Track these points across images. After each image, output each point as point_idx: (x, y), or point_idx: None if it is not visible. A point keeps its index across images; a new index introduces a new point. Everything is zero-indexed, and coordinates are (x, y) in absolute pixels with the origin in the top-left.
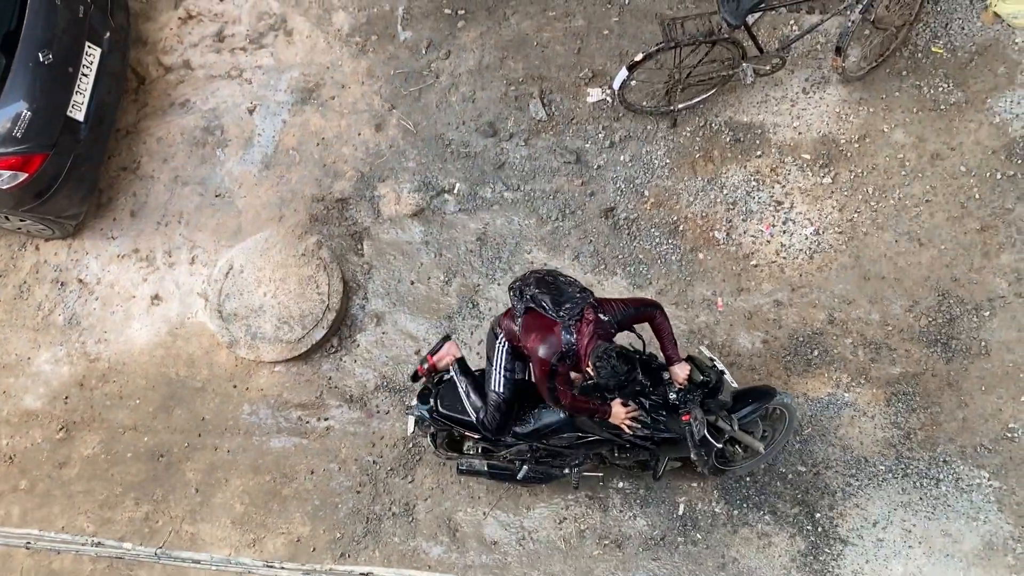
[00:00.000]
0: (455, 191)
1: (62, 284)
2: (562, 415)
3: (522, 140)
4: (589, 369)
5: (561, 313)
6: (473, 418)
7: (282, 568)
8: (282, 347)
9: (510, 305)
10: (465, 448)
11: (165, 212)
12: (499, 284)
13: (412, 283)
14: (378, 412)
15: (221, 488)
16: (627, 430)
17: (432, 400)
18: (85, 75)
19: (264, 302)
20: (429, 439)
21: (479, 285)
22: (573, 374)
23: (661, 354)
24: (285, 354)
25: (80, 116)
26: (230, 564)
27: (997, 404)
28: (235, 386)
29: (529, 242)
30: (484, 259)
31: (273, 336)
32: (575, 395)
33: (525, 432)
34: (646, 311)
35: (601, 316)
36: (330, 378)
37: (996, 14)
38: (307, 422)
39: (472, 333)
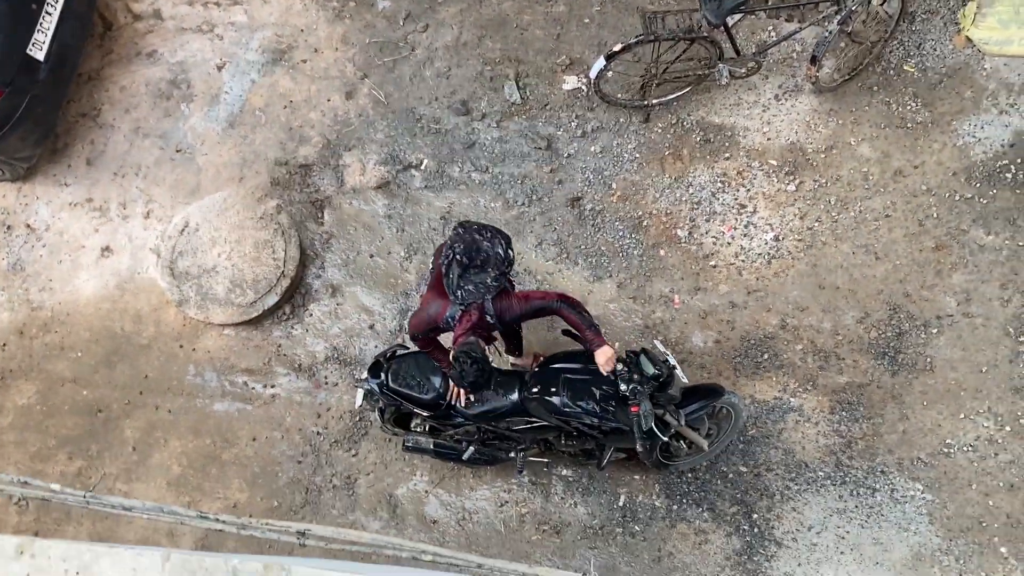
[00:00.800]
0: (422, 167)
1: (8, 228)
2: (512, 399)
3: (494, 121)
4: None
5: (457, 293)
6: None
7: (216, 520)
8: (233, 310)
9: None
10: (412, 425)
11: (123, 163)
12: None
13: (371, 256)
14: (326, 383)
15: (159, 448)
16: (454, 401)
17: (383, 374)
18: (49, 13)
19: (218, 263)
20: (377, 413)
21: None
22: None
23: (616, 345)
24: (235, 317)
25: (40, 55)
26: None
27: (937, 420)
28: (181, 346)
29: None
30: (447, 237)
31: (224, 298)
32: (427, 349)
33: (474, 413)
34: (549, 307)
35: (488, 318)
36: (280, 345)
37: (968, 39)
38: (253, 388)
39: None
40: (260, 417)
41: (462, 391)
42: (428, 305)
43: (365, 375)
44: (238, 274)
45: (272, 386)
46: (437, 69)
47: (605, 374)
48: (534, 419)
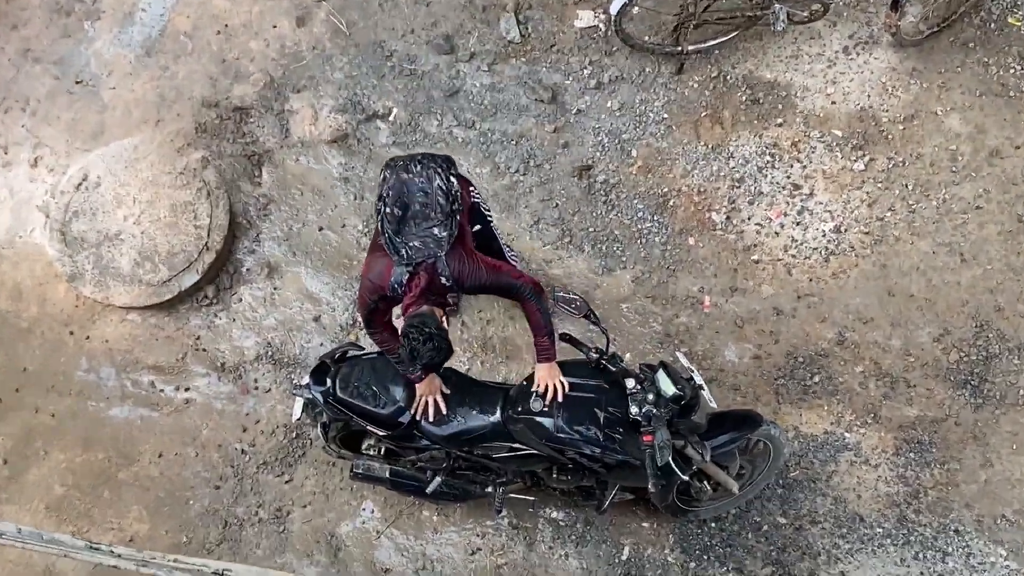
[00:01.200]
0: (391, 118)
1: None
2: (492, 419)
3: (485, 64)
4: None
5: (401, 252)
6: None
7: (111, 553)
8: (140, 290)
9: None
10: (364, 446)
11: (7, 94)
12: None
13: (321, 229)
14: (256, 388)
15: (38, 462)
16: (419, 416)
17: (330, 380)
18: None
19: (123, 228)
20: (319, 430)
21: None
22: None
23: (626, 357)
24: (143, 299)
25: None
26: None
27: None
28: (72, 332)
29: None
30: None
31: (130, 274)
32: (383, 337)
33: (444, 435)
34: (518, 291)
35: (442, 280)
36: (198, 338)
37: None
38: (161, 390)
39: None
40: (169, 428)
41: (432, 404)
42: (369, 269)
43: (306, 380)
44: (149, 244)
45: (186, 389)
46: None
47: (537, 400)
48: (519, 446)
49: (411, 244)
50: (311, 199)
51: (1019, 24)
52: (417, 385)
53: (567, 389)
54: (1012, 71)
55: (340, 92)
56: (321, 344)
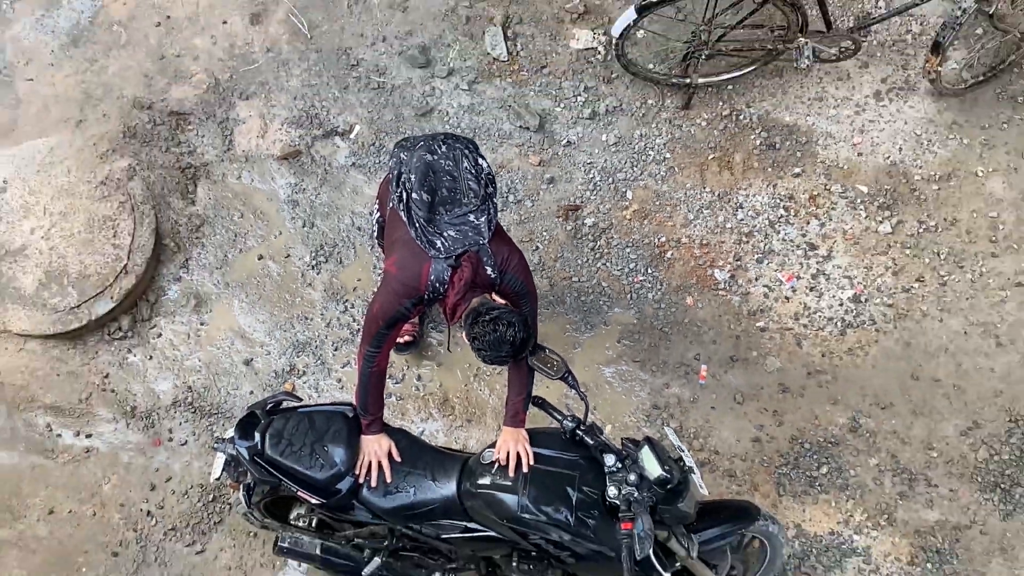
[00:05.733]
0: (352, 135)
1: None
2: (446, 492)
3: (465, 82)
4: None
5: (437, 244)
6: None
7: None
8: (43, 316)
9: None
10: (292, 516)
11: None
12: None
13: (261, 258)
14: (170, 440)
15: None
16: (362, 478)
17: (258, 435)
18: None
19: (29, 242)
20: (242, 492)
21: (360, 281)
22: None
23: (607, 429)
24: (46, 327)
25: None
26: None
27: None
28: None
29: None
30: (376, 244)
31: (33, 296)
32: (385, 372)
33: (388, 507)
34: (526, 306)
35: (488, 270)
36: (107, 376)
37: None
38: (59, 435)
39: (336, 349)
40: (65, 480)
41: (375, 467)
42: (400, 269)
43: (230, 433)
44: (58, 262)
45: (88, 436)
46: None
47: (499, 472)
48: (475, 526)
49: (447, 234)
50: (252, 222)
51: None
52: (364, 439)
53: (531, 460)
54: None
55: (295, 102)
56: (251, 392)
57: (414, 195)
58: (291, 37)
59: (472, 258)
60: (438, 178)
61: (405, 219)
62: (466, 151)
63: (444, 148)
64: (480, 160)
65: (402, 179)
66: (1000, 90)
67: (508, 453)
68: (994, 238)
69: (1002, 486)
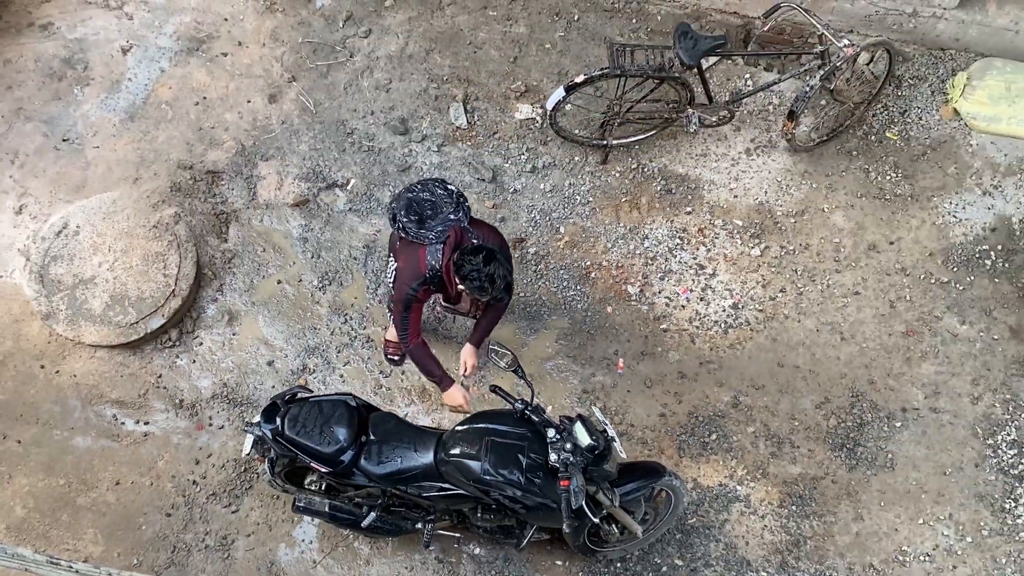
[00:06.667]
0: (349, 187)
1: None
2: (426, 461)
3: (435, 145)
4: (458, 285)
5: (427, 234)
6: None
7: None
8: (109, 330)
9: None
10: (306, 482)
11: None
12: (382, 302)
13: (279, 282)
14: (210, 425)
15: (2, 485)
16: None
17: (279, 419)
18: None
19: (97, 273)
20: (267, 465)
21: (356, 299)
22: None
23: (548, 409)
24: (111, 339)
25: None
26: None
27: (894, 523)
28: (43, 366)
29: None
30: (368, 270)
31: (101, 315)
32: (424, 342)
33: (381, 473)
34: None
35: (469, 235)
36: (160, 376)
37: (956, 111)
38: (123, 423)
39: (339, 352)
40: (127, 458)
41: (462, 400)
42: (405, 263)
43: (257, 419)
44: (120, 289)
45: (146, 423)
46: (376, 80)
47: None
48: (448, 486)
49: (436, 230)
50: (272, 255)
51: (895, 138)
52: (445, 395)
53: (476, 368)
54: (888, 177)
55: (304, 162)
56: (273, 386)
57: (404, 220)
58: (300, 112)
59: (456, 230)
60: (421, 205)
61: (403, 236)
62: (436, 182)
63: (419, 186)
64: (449, 186)
65: (395, 215)
66: (839, 147)
67: (465, 363)
68: (837, 258)
69: (847, 446)
